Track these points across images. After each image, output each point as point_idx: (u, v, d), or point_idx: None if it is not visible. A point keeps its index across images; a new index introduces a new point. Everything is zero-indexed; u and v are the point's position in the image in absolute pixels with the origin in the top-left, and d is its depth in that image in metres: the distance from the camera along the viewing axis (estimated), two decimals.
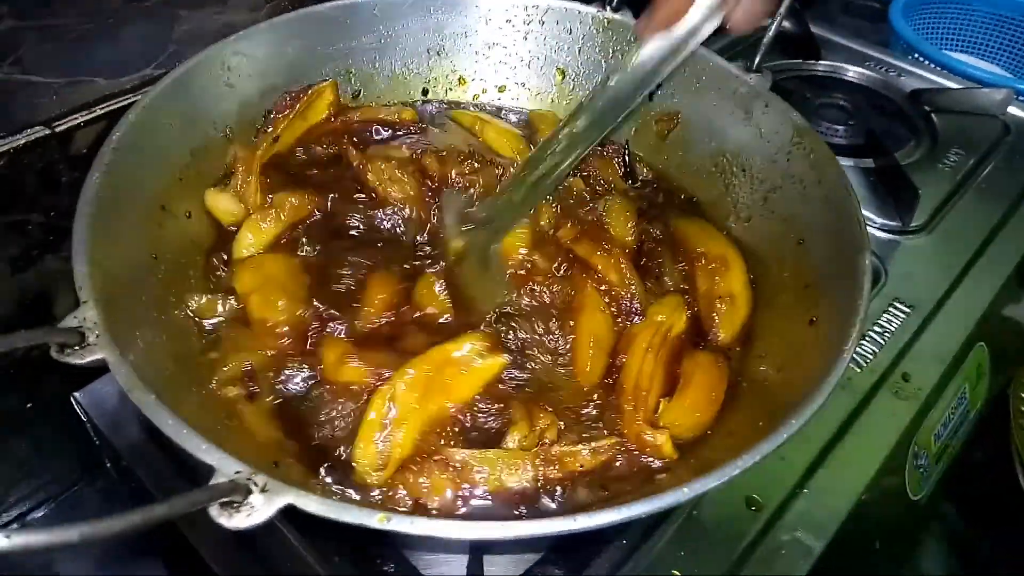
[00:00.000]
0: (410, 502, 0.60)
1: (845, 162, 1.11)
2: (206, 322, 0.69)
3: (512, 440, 0.62)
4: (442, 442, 0.62)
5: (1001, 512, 0.98)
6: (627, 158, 0.90)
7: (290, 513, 0.45)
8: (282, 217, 0.77)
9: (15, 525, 0.87)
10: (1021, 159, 1.18)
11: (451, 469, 0.60)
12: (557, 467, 0.62)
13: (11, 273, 0.75)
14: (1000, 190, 1.12)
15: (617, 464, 0.63)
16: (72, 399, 0.78)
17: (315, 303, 0.70)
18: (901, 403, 0.82)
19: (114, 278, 0.59)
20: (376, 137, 0.90)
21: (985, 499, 1.02)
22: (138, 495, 0.75)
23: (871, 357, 0.86)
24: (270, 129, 0.84)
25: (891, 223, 1.03)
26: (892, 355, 0.86)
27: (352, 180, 0.82)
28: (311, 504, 0.45)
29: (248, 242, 0.75)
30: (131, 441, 0.75)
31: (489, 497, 0.60)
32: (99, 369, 0.52)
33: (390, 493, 0.60)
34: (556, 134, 0.73)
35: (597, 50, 0.91)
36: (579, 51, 0.92)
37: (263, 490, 0.45)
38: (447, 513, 0.59)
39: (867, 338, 0.87)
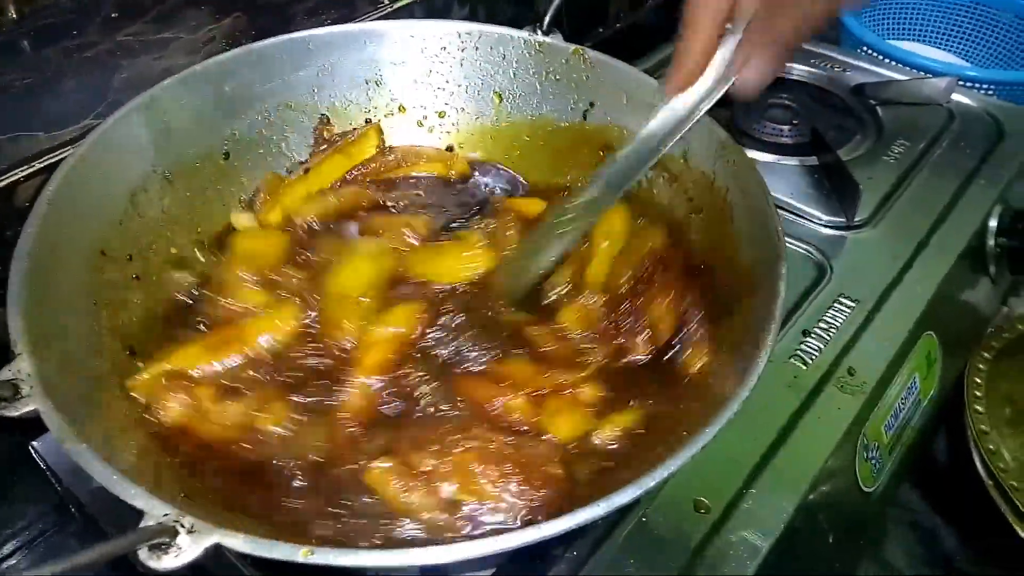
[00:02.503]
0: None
1: (790, 162, 1.14)
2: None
3: None
4: None
5: (960, 498, 0.99)
6: None
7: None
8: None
9: None
10: (965, 145, 1.19)
11: None
12: None
13: None
14: (945, 178, 1.13)
15: None
16: (31, 448, 0.79)
17: None
18: (847, 397, 0.83)
19: (51, 328, 0.61)
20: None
21: (944, 486, 1.03)
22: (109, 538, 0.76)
23: (816, 354, 0.87)
24: (304, 160, 0.92)
25: (836, 219, 1.04)
26: (837, 350, 0.87)
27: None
28: (237, 543, 0.47)
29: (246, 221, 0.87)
30: (90, 488, 0.76)
31: None
32: None
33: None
34: (566, 203, 0.76)
35: (531, 72, 0.93)
36: (514, 74, 0.93)
37: (190, 531, 0.47)
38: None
39: (812, 335, 0.89)
